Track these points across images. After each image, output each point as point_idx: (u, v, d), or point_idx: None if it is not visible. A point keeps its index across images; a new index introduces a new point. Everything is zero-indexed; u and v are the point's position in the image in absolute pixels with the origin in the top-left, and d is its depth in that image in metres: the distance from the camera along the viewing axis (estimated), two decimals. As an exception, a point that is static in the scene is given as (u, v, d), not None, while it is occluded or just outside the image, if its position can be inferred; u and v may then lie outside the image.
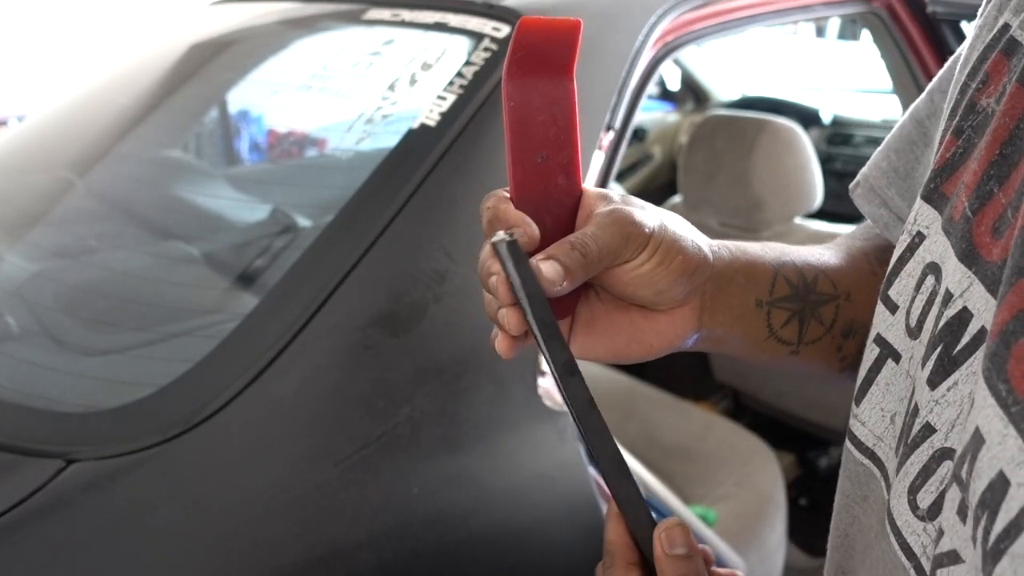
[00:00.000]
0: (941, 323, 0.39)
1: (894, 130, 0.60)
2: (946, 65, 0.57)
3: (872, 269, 0.58)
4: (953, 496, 0.34)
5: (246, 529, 0.75)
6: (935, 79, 0.57)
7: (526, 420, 0.87)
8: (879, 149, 0.60)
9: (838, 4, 1.43)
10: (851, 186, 0.62)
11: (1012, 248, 0.35)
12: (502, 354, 0.50)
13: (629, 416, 1.72)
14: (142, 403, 0.80)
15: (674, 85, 3.38)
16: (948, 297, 0.39)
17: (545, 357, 0.45)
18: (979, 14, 0.49)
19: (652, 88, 1.17)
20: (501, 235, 0.45)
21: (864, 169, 0.60)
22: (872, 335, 0.47)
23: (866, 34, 1.65)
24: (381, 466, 0.80)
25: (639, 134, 3.14)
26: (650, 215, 0.49)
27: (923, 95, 0.58)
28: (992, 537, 0.30)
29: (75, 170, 1.23)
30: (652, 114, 3.26)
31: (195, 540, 0.73)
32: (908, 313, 0.44)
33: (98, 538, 0.72)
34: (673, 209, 2.11)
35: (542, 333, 0.44)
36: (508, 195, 0.48)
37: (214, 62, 1.36)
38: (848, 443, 0.48)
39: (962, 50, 0.51)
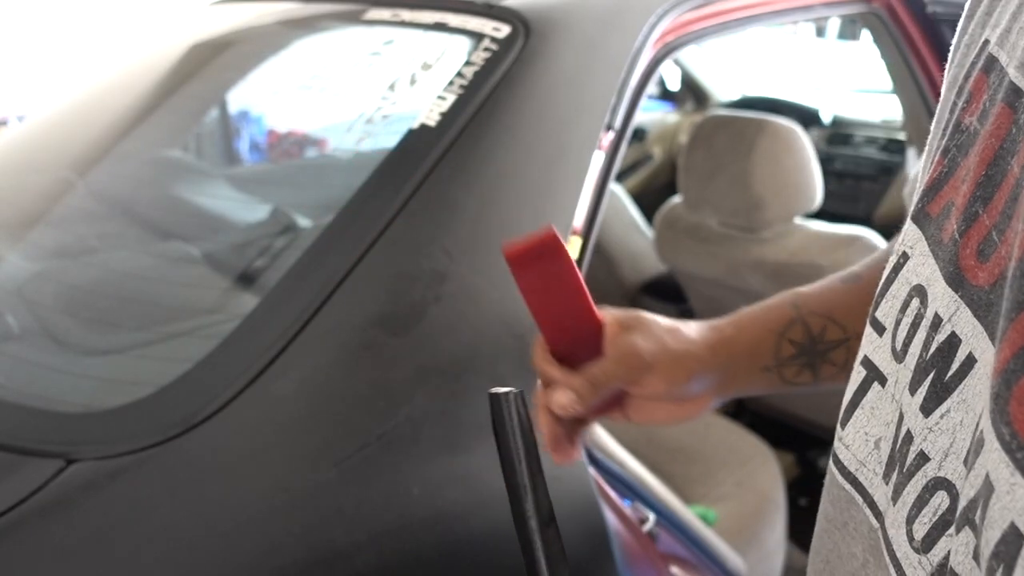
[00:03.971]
0: (932, 348, 0.39)
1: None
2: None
3: None
4: (967, 540, 0.34)
5: (246, 529, 0.75)
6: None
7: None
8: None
9: (838, 4, 1.43)
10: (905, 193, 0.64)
11: (1010, 280, 0.34)
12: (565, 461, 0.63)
13: (629, 416, 1.71)
14: (142, 403, 0.80)
15: (674, 85, 3.37)
16: (937, 321, 0.39)
17: (526, 508, 0.55)
18: (960, 30, 0.48)
19: (652, 88, 1.17)
20: (508, 390, 0.59)
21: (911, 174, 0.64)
22: (860, 357, 0.47)
23: (866, 34, 1.65)
24: (381, 466, 0.80)
25: (639, 134, 3.14)
26: (650, 339, 0.60)
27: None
28: None
29: (75, 170, 1.23)
30: (652, 114, 3.26)
31: (195, 540, 0.73)
32: (894, 336, 0.44)
33: (98, 538, 0.72)
34: (673, 209, 2.12)
35: (532, 482, 0.55)
36: (545, 346, 0.62)
37: (214, 62, 1.36)
38: (832, 466, 0.48)
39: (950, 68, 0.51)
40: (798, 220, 1.88)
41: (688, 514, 1.11)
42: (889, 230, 1.04)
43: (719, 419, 1.75)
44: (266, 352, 0.80)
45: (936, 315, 0.39)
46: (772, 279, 1.84)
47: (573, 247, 0.94)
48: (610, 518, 0.90)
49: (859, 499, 0.45)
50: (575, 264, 0.59)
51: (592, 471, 0.91)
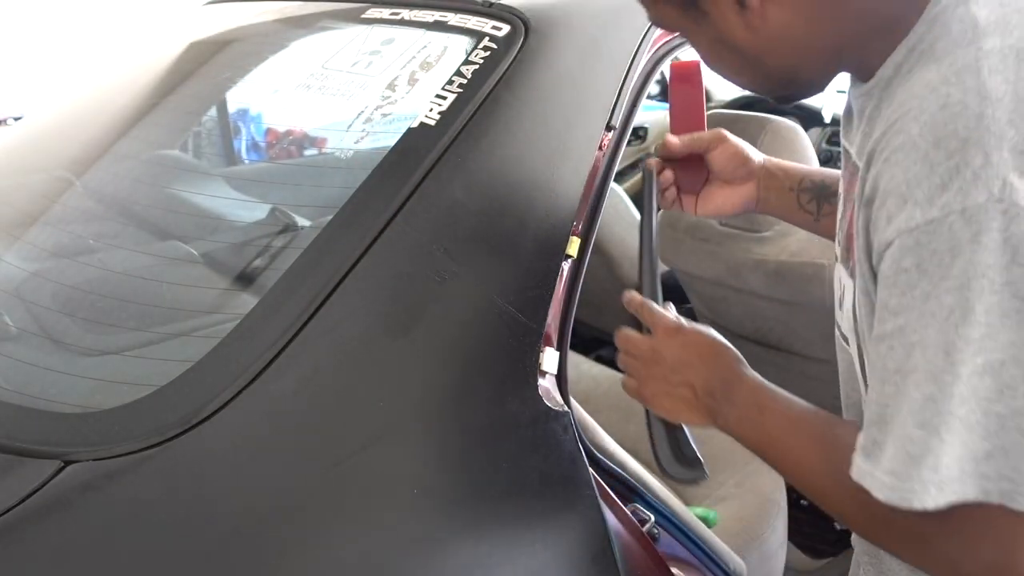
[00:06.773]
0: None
1: None
2: None
3: None
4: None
5: (246, 530, 0.75)
6: None
7: (526, 420, 0.87)
8: None
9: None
10: None
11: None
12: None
13: (629, 416, 1.71)
14: (141, 403, 0.80)
15: (674, 85, 3.36)
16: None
17: (654, 240, 0.96)
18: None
19: (652, 88, 1.17)
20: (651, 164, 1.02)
21: None
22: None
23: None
24: (381, 467, 0.80)
25: (639, 134, 3.13)
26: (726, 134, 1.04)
27: None
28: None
29: (73, 170, 1.23)
30: (652, 114, 3.25)
31: (194, 541, 0.73)
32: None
33: (96, 539, 0.71)
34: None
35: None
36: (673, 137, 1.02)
37: (213, 61, 1.36)
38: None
39: None
40: (799, 220, 1.88)
41: (689, 515, 1.10)
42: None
43: (719, 419, 1.74)
44: (266, 352, 0.80)
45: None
46: (773, 278, 1.84)
47: (573, 247, 0.94)
48: (611, 519, 0.90)
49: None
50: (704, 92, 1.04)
51: (593, 472, 0.91)
